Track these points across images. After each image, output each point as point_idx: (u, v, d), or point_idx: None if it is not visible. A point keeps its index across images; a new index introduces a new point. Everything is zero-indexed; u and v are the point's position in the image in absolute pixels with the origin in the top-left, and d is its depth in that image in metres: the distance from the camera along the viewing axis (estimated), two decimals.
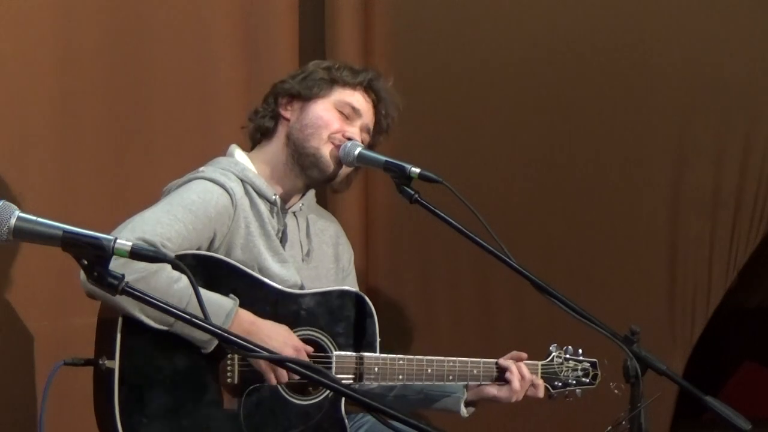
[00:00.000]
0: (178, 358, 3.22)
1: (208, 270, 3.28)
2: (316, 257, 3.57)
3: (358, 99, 3.55)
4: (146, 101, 4.14)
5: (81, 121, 3.99)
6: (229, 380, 3.27)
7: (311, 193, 3.62)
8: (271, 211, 3.46)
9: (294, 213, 3.54)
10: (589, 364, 3.70)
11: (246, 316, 3.24)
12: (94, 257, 2.38)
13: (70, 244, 2.39)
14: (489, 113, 4.69)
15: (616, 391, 3.35)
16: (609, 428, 3.19)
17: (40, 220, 2.42)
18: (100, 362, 3.18)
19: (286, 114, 3.52)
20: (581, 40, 4.65)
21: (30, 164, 3.86)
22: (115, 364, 3.15)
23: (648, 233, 4.69)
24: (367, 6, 4.65)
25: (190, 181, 3.39)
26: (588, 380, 3.69)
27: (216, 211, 3.33)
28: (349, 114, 3.51)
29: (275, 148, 3.52)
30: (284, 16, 4.45)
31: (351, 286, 3.65)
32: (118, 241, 2.40)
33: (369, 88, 3.58)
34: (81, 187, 3.97)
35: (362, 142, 3.52)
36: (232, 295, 3.26)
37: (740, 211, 4.62)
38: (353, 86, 3.54)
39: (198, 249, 3.30)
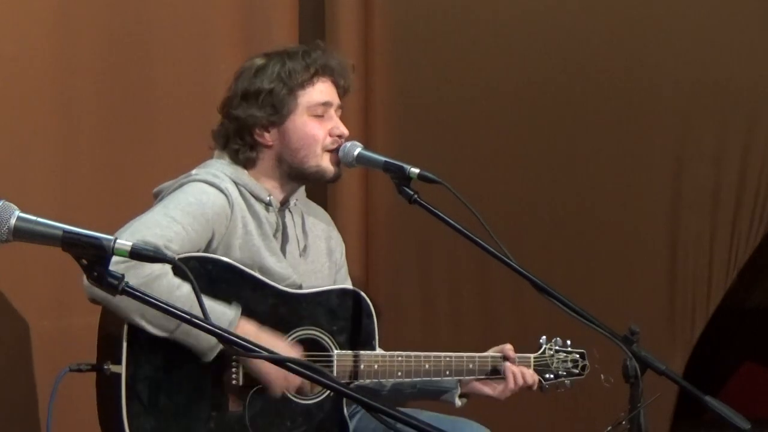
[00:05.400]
0: (184, 361, 3.23)
1: (211, 272, 3.28)
2: (312, 252, 3.56)
3: (320, 91, 3.46)
4: (146, 101, 4.14)
5: (81, 121, 3.99)
6: (234, 382, 3.28)
7: (302, 188, 3.61)
8: (268, 211, 3.46)
9: (289, 209, 3.54)
10: (578, 355, 3.69)
11: (248, 326, 3.24)
12: (94, 257, 2.38)
13: (70, 244, 2.39)
14: (489, 112, 4.69)
15: (606, 384, 3.35)
16: (609, 428, 3.19)
17: (40, 220, 2.42)
18: (105, 367, 3.18)
19: (266, 142, 3.45)
20: (582, 40, 4.66)
21: (30, 164, 3.86)
22: (122, 369, 3.15)
23: (648, 233, 4.69)
24: (367, 5, 4.65)
25: (183, 184, 3.37)
26: (577, 371, 3.69)
27: (213, 212, 3.32)
28: (322, 112, 3.45)
29: (263, 170, 3.46)
30: (284, 16, 4.44)
31: (344, 279, 3.66)
32: (118, 241, 2.40)
33: (323, 71, 3.48)
34: (81, 187, 3.97)
35: (339, 118, 3.49)
36: (235, 303, 3.26)
37: (740, 211, 4.63)
38: (311, 81, 3.45)
39: (197, 251, 3.29)
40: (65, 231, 2.40)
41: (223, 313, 3.20)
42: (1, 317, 3.79)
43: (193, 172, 3.42)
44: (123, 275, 2.41)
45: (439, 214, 3.32)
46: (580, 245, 4.69)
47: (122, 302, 3.05)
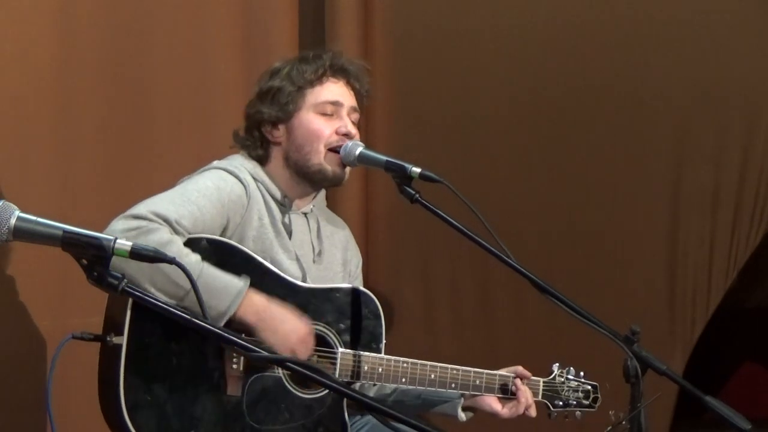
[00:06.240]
0: (185, 340, 3.22)
1: (220, 255, 3.28)
2: (326, 259, 3.57)
3: (330, 90, 3.50)
4: (146, 101, 4.14)
5: (81, 121, 3.99)
6: (234, 366, 3.28)
7: (321, 195, 3.62)
8: (281, 211, 3.47)
9: (305, 214, 3.54)
10: (590, 387, 3.69)
11: (258, 299, 3.23)
12: (94, 257, 2.39)
13: (70, 244, 2.39)
14: (489, 113, 4.70)
15: (613, 418, 3.34)
16: (609, 428, 3.19)
17: (40, 220, 2.43)
18: (108, 338, 3.19)
19: (275, 139, 3.49)
20: (582, 40, 4.66)
21: (30, 164, 3.87)
22: (123, 340, 3.16)
23: (648, 233, 4.69)
24: (367, 5, 4.66)
25: (204, 170, 3.42)
26: (588, 402, 3.69)
27: (230, 199, 3.35)
28: (332, 111, 3.48)
29: (275, 169, 3.49)
30: (284, 16, 4.45)
31: None
32: (117, 241, 2.40)
33: (334, 72, 3.52)
34: (81, 187, 3.97)
35: (355, 122, 3.51)
36: (244, 275, 3.26)
37: (740, 211, 4.63)
38: (320, 80, 3.49)
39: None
40: (65, 231, 2.40)
41: (231, 283, 3.21)
42: (1, 317, 3.79)
43: (215, 162, 3.45)
44: (123, 276, 2.41)
45: (441, 213, 3.32)
46: (580, 245, 4.69)
47: (130, 269, 3.03)
